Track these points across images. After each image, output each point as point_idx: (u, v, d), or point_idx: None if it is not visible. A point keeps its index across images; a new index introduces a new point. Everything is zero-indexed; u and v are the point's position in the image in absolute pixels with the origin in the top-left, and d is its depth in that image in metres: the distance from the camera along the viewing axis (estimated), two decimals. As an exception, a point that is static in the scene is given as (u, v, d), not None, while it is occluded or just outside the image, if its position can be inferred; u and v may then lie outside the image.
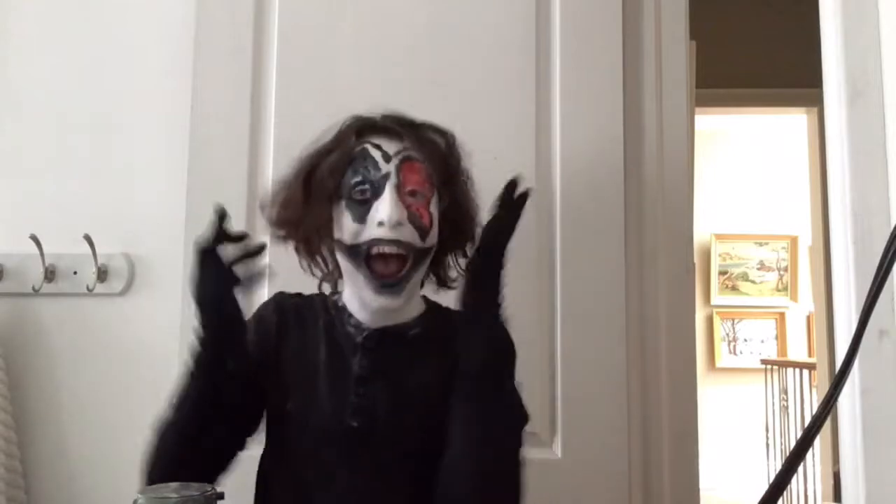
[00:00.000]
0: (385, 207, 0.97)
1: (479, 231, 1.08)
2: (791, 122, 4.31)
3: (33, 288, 1.50)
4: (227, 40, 1.47)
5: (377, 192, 0.99)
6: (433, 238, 1.03)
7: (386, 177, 0.99)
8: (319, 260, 1.09)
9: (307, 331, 1.07)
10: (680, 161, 1.53)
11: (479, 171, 1.42)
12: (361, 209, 0.99)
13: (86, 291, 1.51)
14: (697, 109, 2.16)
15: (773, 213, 5.17)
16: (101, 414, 1.50)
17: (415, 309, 1.08)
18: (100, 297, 1.52)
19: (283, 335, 1.07)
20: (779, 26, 3.15)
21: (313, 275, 1.11)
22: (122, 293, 1.53)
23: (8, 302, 1.52)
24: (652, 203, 1.50)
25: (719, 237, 5.21)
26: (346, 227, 1.00)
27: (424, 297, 1.12)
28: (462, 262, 1.10)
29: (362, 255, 1.00)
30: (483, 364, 0.99)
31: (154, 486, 0.82)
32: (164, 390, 1.37)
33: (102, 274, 1.51)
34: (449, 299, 1.11)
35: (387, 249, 0.99)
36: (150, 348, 1.49)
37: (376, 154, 1.01)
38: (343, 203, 1.01)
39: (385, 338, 1.05)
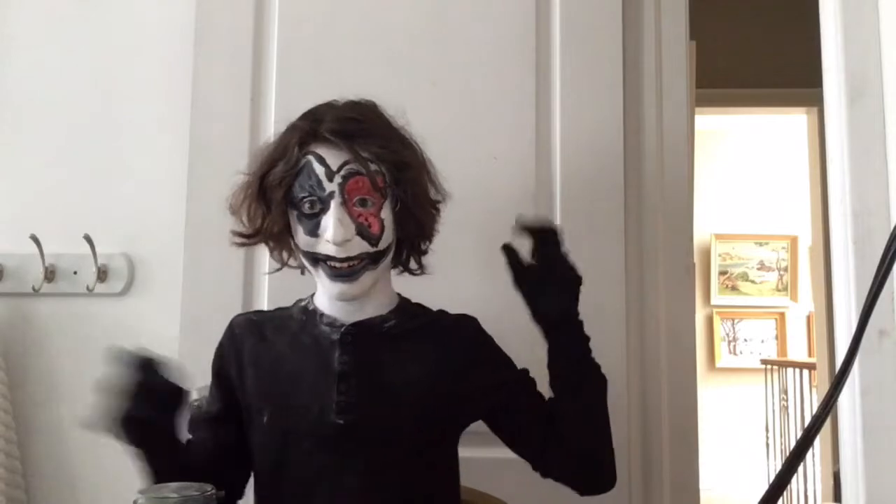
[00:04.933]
0: (331, 228, 0.98)
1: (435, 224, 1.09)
2: (791, 122, 4.31)
3: (33, 288, 1.50)
4: (227, 40, 1.47)
5: (325, 207, 0.99)
6: (387, 239, 1.03)
7: (331, 195, 0.99)
8: (290, 253, 1.10)
9: (274, 343, 1.08)
10: (680, 161, 1.53)
11: (479, 171, 1.43)
12: (311, 223, 1.00)
13: (86, 291, 1.51)
14: (697, 109, 2.16)
15: (773, 213, 5.17)
16: (101, 414, 1.50)
17: (388, 302, 1.09)
18: (100, 297, 1.52)
19: (241, 357, 1.08)
20: (779, 26, 3.14)
21: (289, 266, 1.12)
22: (122, 293, 1.53)
23: (8, 302, 1.52)
24: (652, 203, 1.50)
25: (719, 237, 5.21)
26: (300, 237, 1.02)
27: (398, 294, 1.12)
28: (424, 249, 1.12)
29: (319, 260, 1.02)
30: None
31: (154, 486, 0.83)
32: (164, 390, 1.36)
33: (102, 274, 1.51)
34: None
35: (338, 265, 1.00)
36: (150, 348, 1.49)
37: (320, 171, 0.99)
38: (295, 214, 1.02)
39: (361, 332, 1.05)
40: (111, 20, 1.60)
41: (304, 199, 1.00)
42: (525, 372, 1.10)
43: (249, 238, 1.07)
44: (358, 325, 1.05)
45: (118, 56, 1.59)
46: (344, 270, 1.00)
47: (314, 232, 1.00)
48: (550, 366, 1.07)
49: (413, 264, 1.12)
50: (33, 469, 1.49)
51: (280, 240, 1.06)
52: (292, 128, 1.04)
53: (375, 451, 1.01)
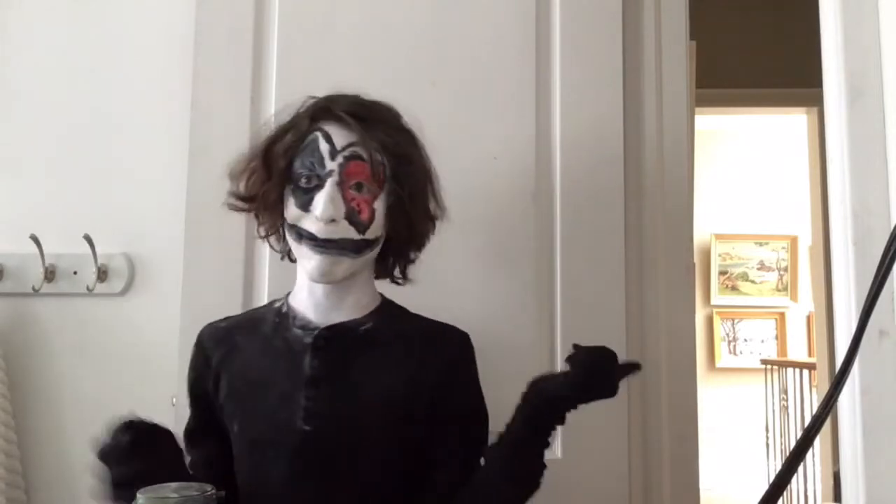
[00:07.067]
0: (321, 205, 0.97)
1: (429, 233, 1.08)
2: (791, 122, 4.31)
3: (33, 288, 1.50)
4: (226, 40, 1.46)
5: (320, 185, 0.99)
6: (375, 231, 1.01)
7: (329, 174, 0.99)
8: (277, 230, 1.09)
9: (244, 349, 1.06)
10: (680, 161, 1.53)
11: (479, 171, 1.42)
12: (305, 198, 1.00)
13: (86, 291, 1.51)
14: (697, 109, 2.17)
15: (773, 213, 5.17)
16: (101, 414, 1.50)
17: (367, 302, 1.07)
18: (100, 297, 1.52)
19: (214, 371, 1.06)
20: (779, 26, 3.15)
21: (271, 246, 1.12)
22: (122, 293, 1.53)
23: (8, 302, 1.52)
24: (652, 203, 1.50)
25: (719, 237, 5.21)
26: (290, 209, 1.01)
27: (381, 294, 1.11)
28: (411, 258, 1.10)
29: (303, 235, 1.00)
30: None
31: (154, 486, 0.82)
32: (164, 390, 1.37)
33: (102, 274, 1.51)
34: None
35: (320, 246, 0.99)
36: (150, 348, 1.49)
37: (324, 148, 1.00)
38: (291, 187, 1.01)
39: (335, 335, 1.03)
40: (111, 20, 1.60)
41: (303, 174, 1.00)
42: (484, 418, 1.05)
43: (246, 202, 1.06)
44: (332, 329, 1.03)
45: (118, 56, 1.59)
46: (326, 244, 0.98)
47: (305, 206, 0.99)
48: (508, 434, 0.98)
49: (397, 272, 1.11)
50: (33, 469, 1.49)
51: (272, 211, 1.05)
52: (307, 102, 1.05)
53: (342, 461, 0.98)
